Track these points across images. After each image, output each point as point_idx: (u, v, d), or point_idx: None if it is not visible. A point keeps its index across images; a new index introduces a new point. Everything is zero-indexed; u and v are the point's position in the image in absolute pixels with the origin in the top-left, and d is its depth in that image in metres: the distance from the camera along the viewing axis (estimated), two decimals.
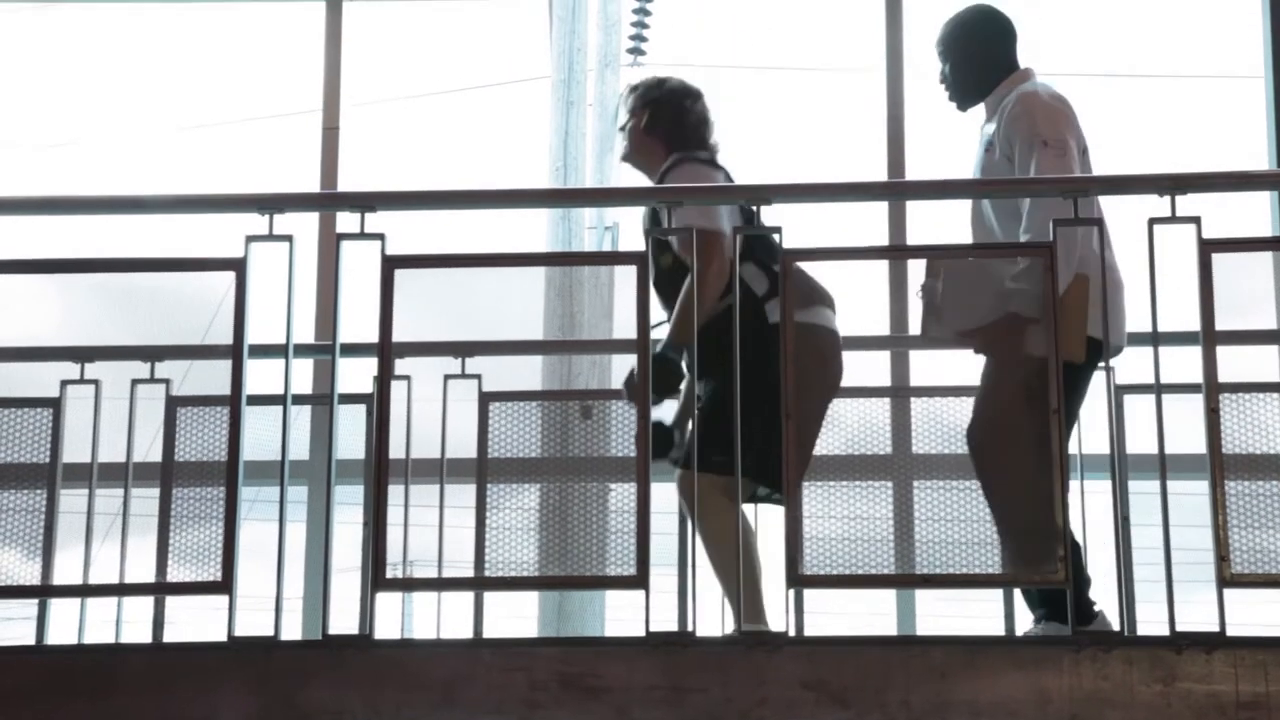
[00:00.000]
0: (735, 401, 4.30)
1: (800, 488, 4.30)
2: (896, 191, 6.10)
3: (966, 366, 4.86)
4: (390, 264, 4.40)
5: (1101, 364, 4.47)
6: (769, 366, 4.35)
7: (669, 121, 5.00)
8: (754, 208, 4.70)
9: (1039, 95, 4.79)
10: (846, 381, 4.74)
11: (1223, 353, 4.26)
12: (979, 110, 4.99)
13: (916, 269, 6.62)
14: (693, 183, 4.78)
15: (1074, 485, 4.32)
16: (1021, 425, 4.36)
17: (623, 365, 4.91)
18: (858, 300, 6.59)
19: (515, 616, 7.18)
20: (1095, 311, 4.46)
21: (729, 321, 4.42)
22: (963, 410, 4.57)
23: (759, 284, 4.71)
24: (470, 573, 4.85)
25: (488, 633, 4.95)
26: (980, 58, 4.94)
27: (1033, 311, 4.47)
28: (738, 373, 4.32)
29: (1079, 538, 4.40)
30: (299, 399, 4.61)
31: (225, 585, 4.32)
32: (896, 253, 6.50)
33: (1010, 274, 4.58)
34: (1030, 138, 4.68)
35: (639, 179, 5.10)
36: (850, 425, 4.58)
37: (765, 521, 4.53)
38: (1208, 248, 4.27)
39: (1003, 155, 4.77)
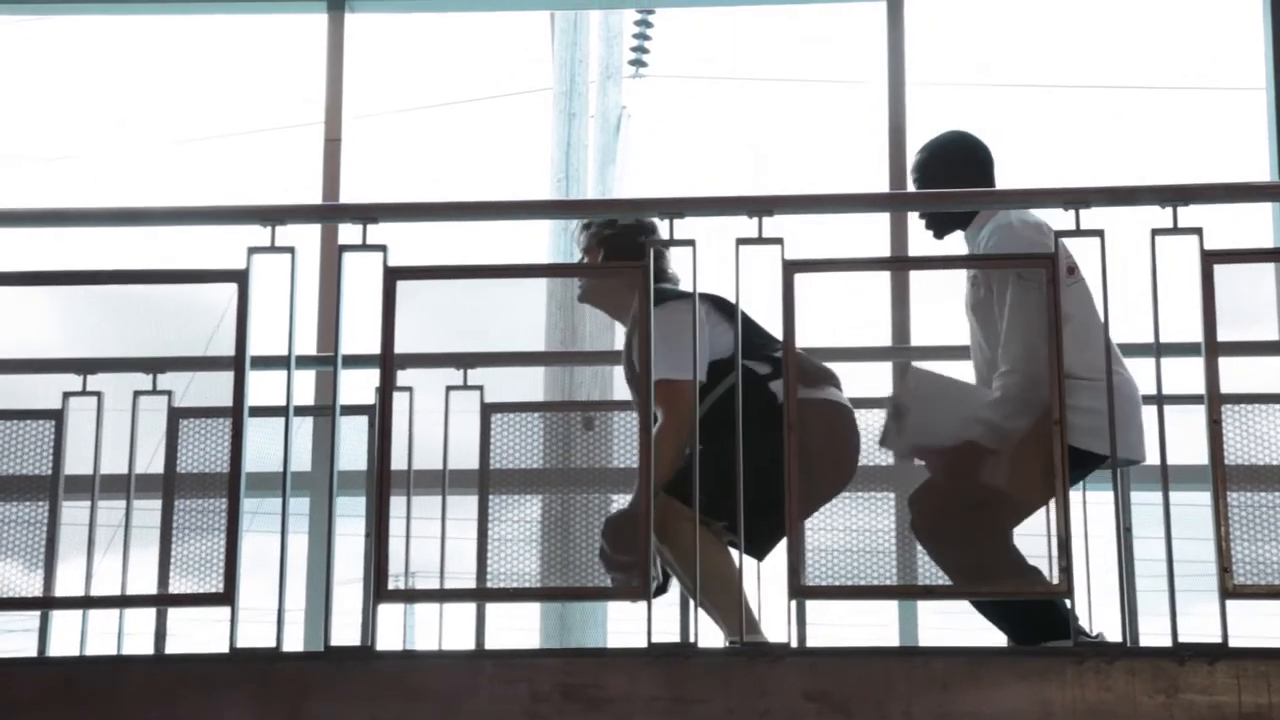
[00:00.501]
0: (738, 453, 4.26)
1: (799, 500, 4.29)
2: (898, 203, 6.10)
3: (967, 374, 4.86)
4: (392, 275, 4.40)
5: (1103, 467, 4.45)
6: (773, 439, 4.27)
7: (625, 260, 4.77)
8: (740, 309, 4.52)
9: (1013, 228, 4.69)
10: (848, 388, 4.72)
11: (1225, 364, 4.25)
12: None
13: (918, 279, 6.63)
14: (674, 326, 4.51)
15: (1074, 497, 4.32)
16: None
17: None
18: (859, 312, 6.61)
19: (517, 628, 7.17)
20: (1087, 421, 4.38)
21: (732, 400, 4.36)
22: None
23: (761, 368, 4.62)
24: (472, 584, 4.86)
25: (490, 644, 4.95)
26: (955, 187, 4.80)
27: (993, 445, 4.43)
28: (739, 429, 4.29)
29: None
30: (301, 410, 4.61)
31: (227, 597, 4.32)
32: (898, 264, 6.50)
33: (983, 401, 4.52)
34: (1005, 272, 4.59)
35: (641, 189, 5.07)
36: None
37: None
38: (1210, 259, 4.26)
39: (987, 290, 4.70)
